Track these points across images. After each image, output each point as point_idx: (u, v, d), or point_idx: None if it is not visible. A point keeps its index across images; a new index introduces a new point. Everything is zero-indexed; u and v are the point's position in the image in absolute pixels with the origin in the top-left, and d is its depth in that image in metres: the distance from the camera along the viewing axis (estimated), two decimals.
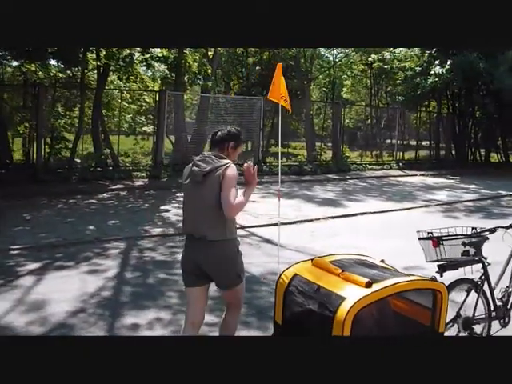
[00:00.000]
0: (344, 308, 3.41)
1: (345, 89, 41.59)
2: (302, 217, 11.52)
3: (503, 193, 16.94)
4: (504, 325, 5.12)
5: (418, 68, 24.20)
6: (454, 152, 28.11)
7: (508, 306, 5.16)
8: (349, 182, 18.93)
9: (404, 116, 27.66)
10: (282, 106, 7.17)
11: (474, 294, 4.86)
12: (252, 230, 10.14)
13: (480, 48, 19.24)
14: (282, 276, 4.07)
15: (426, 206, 14.19)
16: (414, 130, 30.28)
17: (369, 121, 31.37)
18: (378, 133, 29.52)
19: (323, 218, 11.68)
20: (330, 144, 27.45)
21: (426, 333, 3.99)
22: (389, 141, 29.40)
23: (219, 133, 4.29)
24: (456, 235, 4.83)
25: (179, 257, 7.60)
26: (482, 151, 30.07)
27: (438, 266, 4.65)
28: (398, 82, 27.33)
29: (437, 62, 22.76)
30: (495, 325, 5.06)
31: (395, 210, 13.28)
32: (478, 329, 4.85)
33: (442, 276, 4.47)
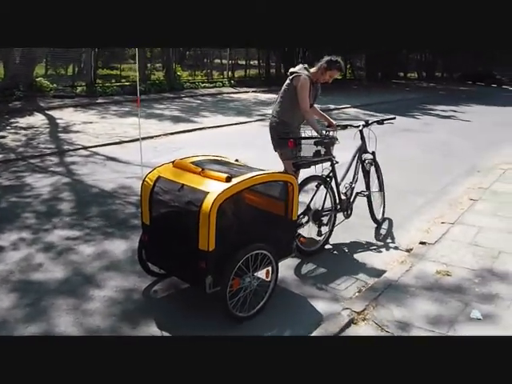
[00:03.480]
0: (209, 201, 3.68)
1: None
2: (144, 134, 11.52)
3: (332, 106, 18.16)
4: (347, 216, 5.73)
5: None
6: (283, 70, 29.18)
7: (351, 200, 5.77)
8: (184, 100, 19.01)
9: None
10: None
11: (322, 190, 5.37)
12: (94, 149, 10.00)
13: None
14: (146, 179, 4.23)
15: (261, 119, 14.78)
16: (243, 49, 30.74)
17: None
18: (207, 52, 29.53)
19: (164, 135, 11.79)
20: (158, 65, 27.14)
21: (281, 221, 4.42)
22: (218, 60, 29.66)
23: (324, 57, 5.54)
24: (311, 137, 5.25)
25: (27, 180, 7.60)
26: None
27: (293, 163, 5.07)
28: None
29: None
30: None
31: (232, 124, 13.73)
32: (325, 220, 5.41)
33: (297, 173, 4.89)
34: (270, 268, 4.15)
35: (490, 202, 7.17)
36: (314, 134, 5.36)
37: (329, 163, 5.37)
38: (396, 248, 5.58)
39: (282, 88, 5.62)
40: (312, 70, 5.54)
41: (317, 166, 5.30)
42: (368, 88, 29.44)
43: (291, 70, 5.60)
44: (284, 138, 5.25)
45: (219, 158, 4.60)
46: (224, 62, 28.27)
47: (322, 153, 5.18)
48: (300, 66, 5.61)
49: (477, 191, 7.78)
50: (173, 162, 4.34)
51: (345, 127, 5.75)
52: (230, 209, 4.09)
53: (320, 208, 5.29)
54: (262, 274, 4.16)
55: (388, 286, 4.50)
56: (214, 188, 3.77)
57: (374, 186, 6.11)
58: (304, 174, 5.26)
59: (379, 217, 6.18)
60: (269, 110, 16.44)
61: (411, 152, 10.95)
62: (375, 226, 6.14)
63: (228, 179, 3.82)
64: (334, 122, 5.74)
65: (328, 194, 5.38)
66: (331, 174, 5.41)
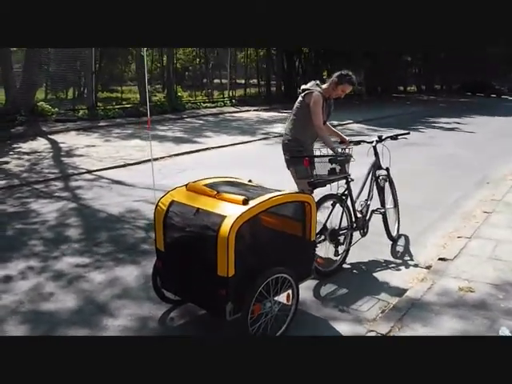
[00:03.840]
0: (226, 225, 3.54)
1: None
2: (148, 156, 11.41)
3: (335, 123, 18.00)
4: (363, 234, 5.59)
5: None
6: (283, 88, 29.33)
7: (367, 218, 5.64)
8: (186, 121, 18.96)
9: (235, 56, 28.19)
10: None
11: (338, 208, 5.24)
12: (99, 173, 9.89)
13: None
14: (160, 204, 4.11)
15: (265, 138, 14.74)
16: (242, 69, 30.89)
17: (197, 60, 31.30)
18: (206, 73, 29.63)
19: (168, 156, 11.69)
20: (158, 86, 27.19)
21: (299, 242, 4.29)
22: (217, 80, 29.73)
23: (335, 73, 5.45)
24: (325, 155, 5.13)
25: (32, 206, 7.45)
26: None
27: (309, 183, 4.94)
28: None
29: None
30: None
31: (237, 144, 13.66)
32: (341, 239, 5.26)
33: (312, 192, 4.76)
34: (290, 291, 4.02)
35: (504, 213, 7.05)
36: (329, 151, 5.26)
37: (344, 181, 5.25)
38: (415, 265, 5.44)
39: (295, 105, 5.53)
40: (324, 86, 5.45)
41: (332, 184, 5.19)
42: (368, 103, 29.45)
43: (303, 86, 5.51)
44: (297, 156, 5.15)
45: (233, 180, 4.47)
46: (224, 81, 28.34)
47: (337, 170, 5.06)
48: (312, 82, 5.52)
49: (489, 203, 7.66)
50: (186, 185, 4.22)
51: (358, 143, 5.65)
52: (248, 232, 3.96)
53: (337, 227, 5.16)
54: (282, 297, 4.03)
55: (412, 306, 4.35)
56: (231, 211, 3.64)
57: (389, 203, 5.99)
58: (317, 192, 5.14)
59: (394, 233, 6.05)
60: (272, 129, 16.51)
61: (419, 166, 10.86)
62: (391, 242, 6.01)
63: (245, 202, 3.70)
64: (347, 139, 5.65)
65: (344, 213, 5.26)
66: (347, 192, 5.29)
